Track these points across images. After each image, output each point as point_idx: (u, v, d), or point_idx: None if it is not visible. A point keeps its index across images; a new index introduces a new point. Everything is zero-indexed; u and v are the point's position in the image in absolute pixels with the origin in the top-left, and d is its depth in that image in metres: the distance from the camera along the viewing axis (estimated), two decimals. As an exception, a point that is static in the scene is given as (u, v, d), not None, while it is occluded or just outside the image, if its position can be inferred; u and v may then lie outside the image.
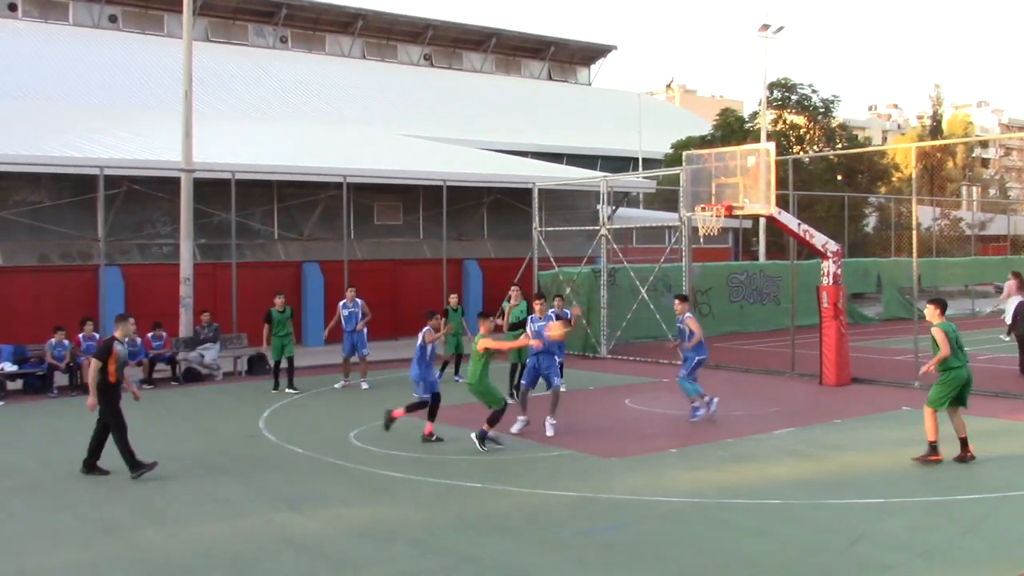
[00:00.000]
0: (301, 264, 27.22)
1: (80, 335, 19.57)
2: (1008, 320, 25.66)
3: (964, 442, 11.87)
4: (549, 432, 14.14)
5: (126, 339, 12.38)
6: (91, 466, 11.98)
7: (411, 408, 13.92)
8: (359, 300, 19.49)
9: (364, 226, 28.86)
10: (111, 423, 11.82)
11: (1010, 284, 26.29)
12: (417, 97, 49.70)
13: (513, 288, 18.86)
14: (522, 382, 14.78)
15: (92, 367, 11.77)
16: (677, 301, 15.92)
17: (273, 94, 44.92)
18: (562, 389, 15.11)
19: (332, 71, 49.82)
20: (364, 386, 19.28)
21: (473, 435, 13.24)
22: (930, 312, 12.01)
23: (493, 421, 13.18)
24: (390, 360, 23.67)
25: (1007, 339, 24.10)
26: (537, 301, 15.47)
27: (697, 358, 15.48)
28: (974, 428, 13.85)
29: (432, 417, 13.89)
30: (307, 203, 27.62)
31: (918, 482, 11.16)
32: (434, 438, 13.68)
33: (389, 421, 13.66)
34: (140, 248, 25.46)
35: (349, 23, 53.44)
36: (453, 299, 20.65)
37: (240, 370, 21.88)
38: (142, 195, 24.67)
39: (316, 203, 27.55)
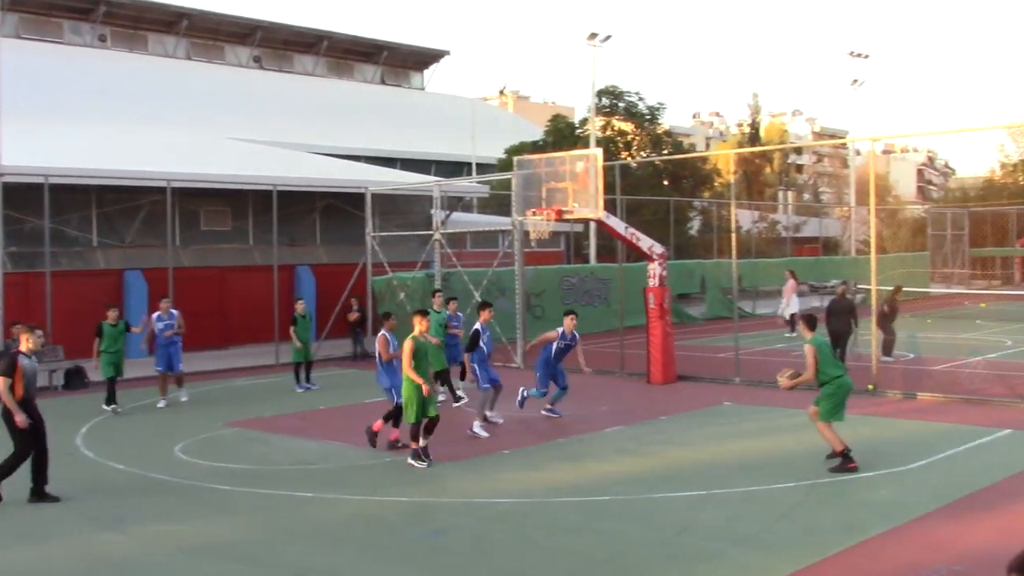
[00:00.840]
0: (123, 272, 26.03)
1: None
2: (786, 316, 27.88)
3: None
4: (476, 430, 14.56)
5: (32, 352, 11.55)
6: (40, 494, 11.16)
7: (388, 417, 13.68)
8: (174, 311, 18.81)
9: (190, 232, 27.92)
10: (14, 444, 11.09)
11: (790, 284, 28.27)
12: (246, 100, 48.39)
13: (437, 294, 18.53)
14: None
15: (1, 385, 10.99)
16: (572, 316, 15.99)
17: (91, 94, 42.77)
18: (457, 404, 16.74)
19: (155, 72, 47.90)
20: (183, 398, 18.63)
21: (408, 459, 12.58)
22: (801, 327, 12.62)
23: (415, 436, 12.53)
24: (220, 370, 23.05)
25: (793, 334, 25.74)
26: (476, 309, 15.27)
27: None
28: (790, 421, 14.66)
29: (397, 423, 13.59)
30: (129, 209, 26.50)
31: (738, 473, 11.70)
32: (400, 444, 13.37)
33: (372, 436, 13.56)
34: (-57, 257, 23.81)
35: (174, 22, 51.60)
36: (300, 306, 20.22)
37: (56, 385, 20.82)
38: (-55, 201, 23.08)
39: (138, 209, 26.47)
